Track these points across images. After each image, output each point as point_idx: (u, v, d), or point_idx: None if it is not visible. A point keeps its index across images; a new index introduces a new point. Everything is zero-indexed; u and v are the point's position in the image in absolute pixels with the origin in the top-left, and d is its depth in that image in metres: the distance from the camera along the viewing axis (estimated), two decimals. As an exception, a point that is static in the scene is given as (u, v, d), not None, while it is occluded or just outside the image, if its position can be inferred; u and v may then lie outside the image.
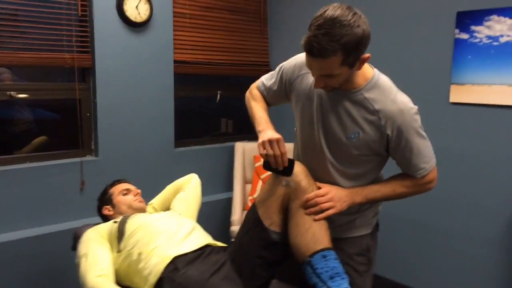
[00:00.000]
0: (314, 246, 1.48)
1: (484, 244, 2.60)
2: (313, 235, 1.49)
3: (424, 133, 1.52)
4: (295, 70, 1.62)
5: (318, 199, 1.51)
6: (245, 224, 1.67)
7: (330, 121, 1.53)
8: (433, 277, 2.84)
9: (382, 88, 1.48)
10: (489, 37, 2.48)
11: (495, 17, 2.45)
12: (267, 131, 1.52)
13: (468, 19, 2.55)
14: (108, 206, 2.15)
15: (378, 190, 1.57)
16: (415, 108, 1.49)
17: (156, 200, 2.33)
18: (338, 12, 1.29)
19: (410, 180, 1.58)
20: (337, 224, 1.64)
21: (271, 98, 1.76)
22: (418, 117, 1.49)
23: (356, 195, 1.56)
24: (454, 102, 2.65)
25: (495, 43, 2.46)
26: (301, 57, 1.59)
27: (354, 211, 1.64)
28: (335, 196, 1.53)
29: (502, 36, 2.43)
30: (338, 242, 1.62)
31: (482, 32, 2.50)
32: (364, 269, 1.69)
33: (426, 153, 1.53)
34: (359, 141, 1.50)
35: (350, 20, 1.29)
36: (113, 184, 2.23)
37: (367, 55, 1.37)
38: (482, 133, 2.57)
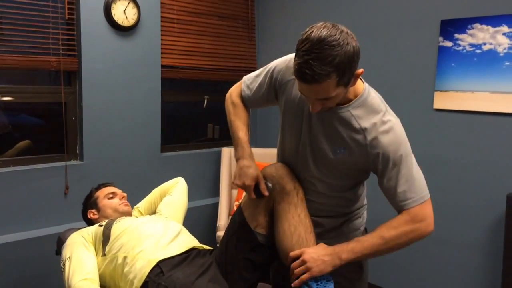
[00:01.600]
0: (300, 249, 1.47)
1: (467, 249, 2.63)
2: (298, 238, 1.49)
3: (414, 159, 1.42)
4: (287, 72, 1.52)
5: (292, 264, 1.44)
6: (231, 227, 1.67)
7: (317, 135, 1.47)
8: (415, 282, 2.86)
9: (371, 106, 1.41)
10: (472, 45, 2.53)
11: (478, 25, 2.50)
12: (242, 166, 1.52)
13: (451, 27, 2.60)
14: (93, 210, 2.13)
15: (365, 240, 1.42)
16: (403, 129, 1.42)
17: (142, 204, 2.32)
18: (324, 33, 1.21)
19: (396, 219, 1.41)
20: (326, 234, 1.61)
21: (255, 102, 1.66)
22: (407, 140, 1.41)
23: (341, 251, 1.41)
24: (438, 108, 2.69)
25: (478, 51, 2.51)
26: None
27: (340, 214, 1.62)
28: (309, 258, 1.41)
29: (484, 44, 2.48)
30: None
31: (465, 40, 2.55)
32: (356, 277, 1.66)
33: (416, 182, 1.40)
34: (344, 157, 1.45)
35: (338, 39, 1.20)
36: (99, 187, 2.21)
37: (360, 70, 1.31)
38: (465, 139, 2.61)
